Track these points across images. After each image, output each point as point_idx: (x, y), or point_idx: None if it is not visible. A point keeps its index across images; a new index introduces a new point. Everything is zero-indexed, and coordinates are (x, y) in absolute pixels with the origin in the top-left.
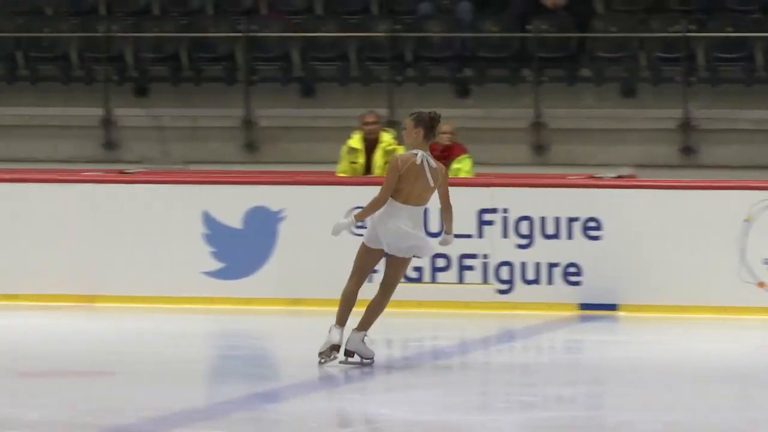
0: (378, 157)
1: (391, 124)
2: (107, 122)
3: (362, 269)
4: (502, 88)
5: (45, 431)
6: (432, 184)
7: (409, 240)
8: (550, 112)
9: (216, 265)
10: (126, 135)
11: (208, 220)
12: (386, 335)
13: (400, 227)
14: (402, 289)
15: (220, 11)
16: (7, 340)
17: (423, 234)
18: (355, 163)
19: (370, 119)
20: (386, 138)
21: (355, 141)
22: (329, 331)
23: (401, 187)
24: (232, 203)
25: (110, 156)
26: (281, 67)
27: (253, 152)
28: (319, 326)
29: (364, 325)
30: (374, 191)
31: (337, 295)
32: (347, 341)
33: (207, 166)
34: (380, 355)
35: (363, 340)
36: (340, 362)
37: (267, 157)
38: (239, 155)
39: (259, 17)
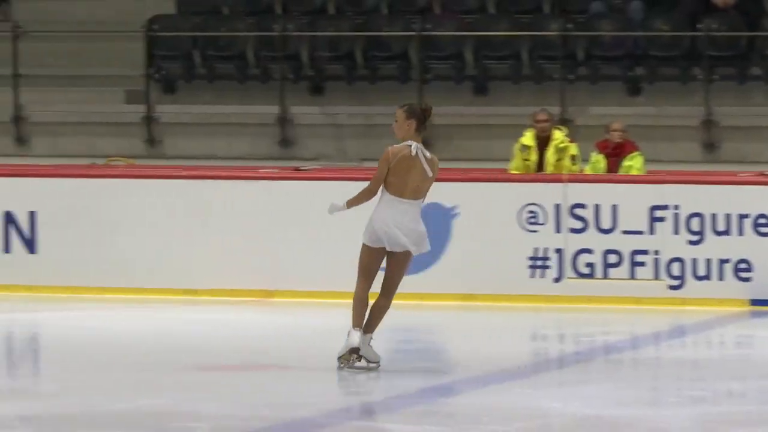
0: (550, 155)
1: (563, 122)
2: (283, 120)
3: (368, 270)
4: (673, 86)
5: (223, 424)
6: (430, 175)
7: (408, 235)
8: (720, 111)
9: None
10: (302, 132)
11: None
12: (558, 331)
13: (397, 221)
14: (573, 285)
15: (395, 11)
16: (187, 334)
17: (422, 228)
18: (527, 160)
19: (542, 117)
20: (558, 135)
21: (528, 138)
22: (348, 335)
23: (392, 179)
24: None
25: (286, 153)
26: (454, 65)
27: (426, 149)
28: (491, 321)
29: (370, 327)
30: (546, 188)
31: (509, 289)
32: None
33: None
34: (553, 350)
35: (369, 344)
36: (349, 367)
37: (441, 155)
38: None
39: (433, 16)
